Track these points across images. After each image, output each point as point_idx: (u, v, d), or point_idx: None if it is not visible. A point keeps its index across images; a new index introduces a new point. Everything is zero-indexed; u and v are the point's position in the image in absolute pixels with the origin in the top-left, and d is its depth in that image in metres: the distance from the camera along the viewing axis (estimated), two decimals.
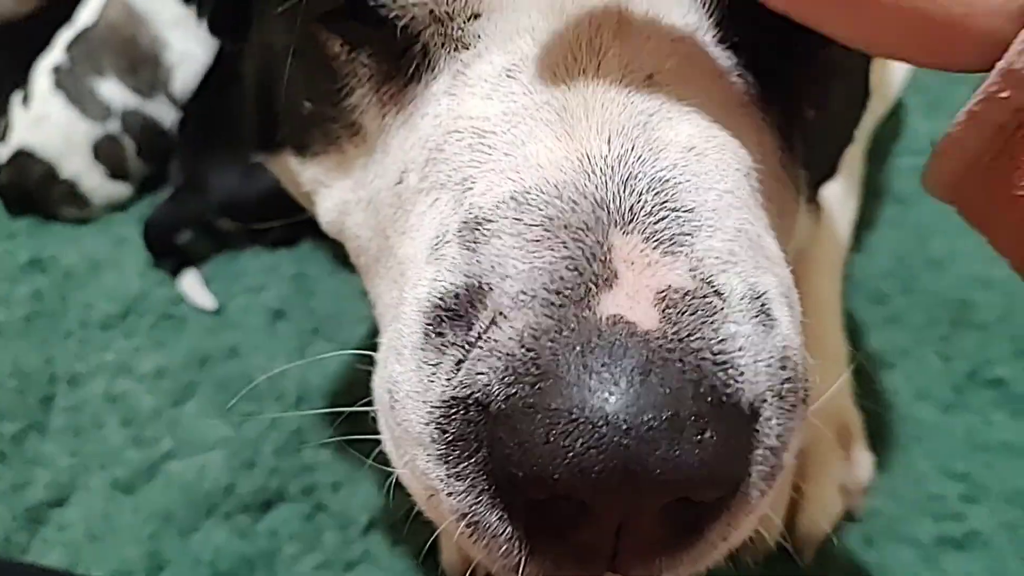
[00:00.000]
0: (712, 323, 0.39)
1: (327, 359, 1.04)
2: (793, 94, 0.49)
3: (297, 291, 1.12)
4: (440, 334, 0.41)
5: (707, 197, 0.42)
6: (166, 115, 1.23)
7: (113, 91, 1.19)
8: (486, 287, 0.40)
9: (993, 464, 0.96)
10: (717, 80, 0.45)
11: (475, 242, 0.41)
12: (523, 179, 0.41)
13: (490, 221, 0.41)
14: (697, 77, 0.44)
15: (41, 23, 1.31)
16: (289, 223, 1.12)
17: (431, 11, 0.45)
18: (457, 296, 0.41)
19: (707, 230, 0.41)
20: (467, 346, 0.40)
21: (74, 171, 1.19)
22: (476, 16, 0.45)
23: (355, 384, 1.03)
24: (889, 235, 1.20)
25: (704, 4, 0.45)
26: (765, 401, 0.40)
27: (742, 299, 0.40)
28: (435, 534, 0.49)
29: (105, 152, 1.19)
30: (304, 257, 1.16)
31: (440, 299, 0.41)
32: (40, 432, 0.99)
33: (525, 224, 0.40)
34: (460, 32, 0.45)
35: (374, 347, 1.06)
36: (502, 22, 0.44)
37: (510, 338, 0.38)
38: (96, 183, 1.20)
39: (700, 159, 0.42)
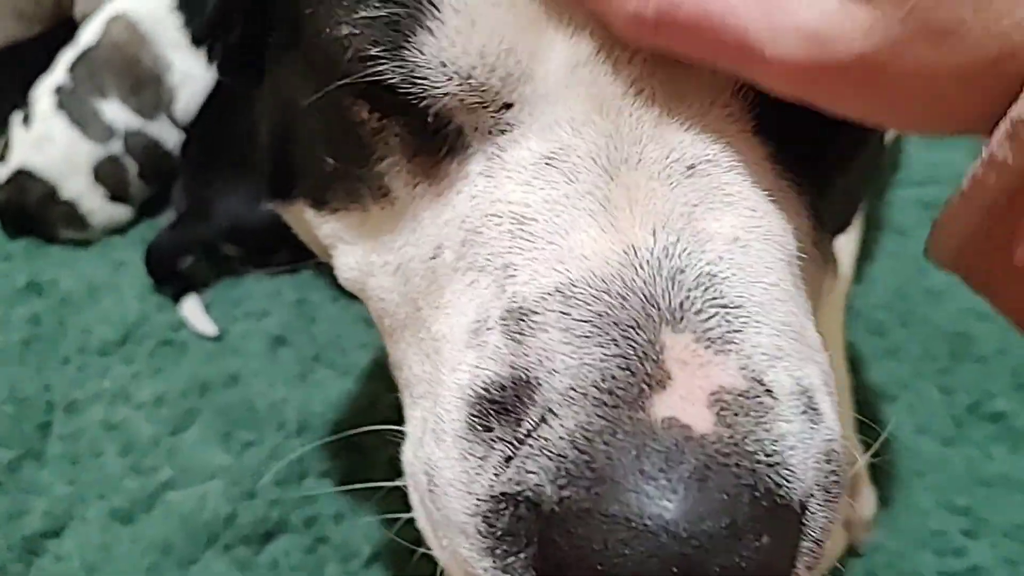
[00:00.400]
0: (765, 424, 0.39)
1: (329, 386, 1.03)
2: (823, 170, 0.49)
3: (299, 317, 1.11)
4: (487, 427, 0.40)
5: (753, 291, 0.41)
6: (168, 136, 1.22)
7: (116, 112, 1.18)
8: (534, 381, 0.40)
9: (994, 499, 0.96)
10: (755, 167, 0.44)
11: (520, 333, 0.41)
12: (568, 271, 0.41)
13: (536, 313, 0.41)
14: (736, 166, 0.44)
15: (43, 44, 1.30)
16: (292, 249, 1.13)
17: (461, 100, 0.44)
18: (503, 388, 0.40)
19: (755, 326, 0.41)
20: (516, 442, 0.39)
21: (75, 192, 1.17)
22: (508, 106, 0.44)
23: (358, 413, 1.02)
24: (888, 266, 1.20)
25: (739, 92, 0.44)
26: (812, 496, 0.40)
27: (790, 395, 0.40)
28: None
29: (106, 173, 1.18)
30: (306, 283, 1.15)
31: (485, 389, 0.41)
32: (37, 460, 0.97)
33: (573, 319, 0.40)
34: (493, 120, 0.44)
35: (378, 376, 1.06)
36: (538, 112, 0.43)
37: (561, 437, 0.38)
38: (96, 205, 1.19)
39: (745, 251, 0.42)
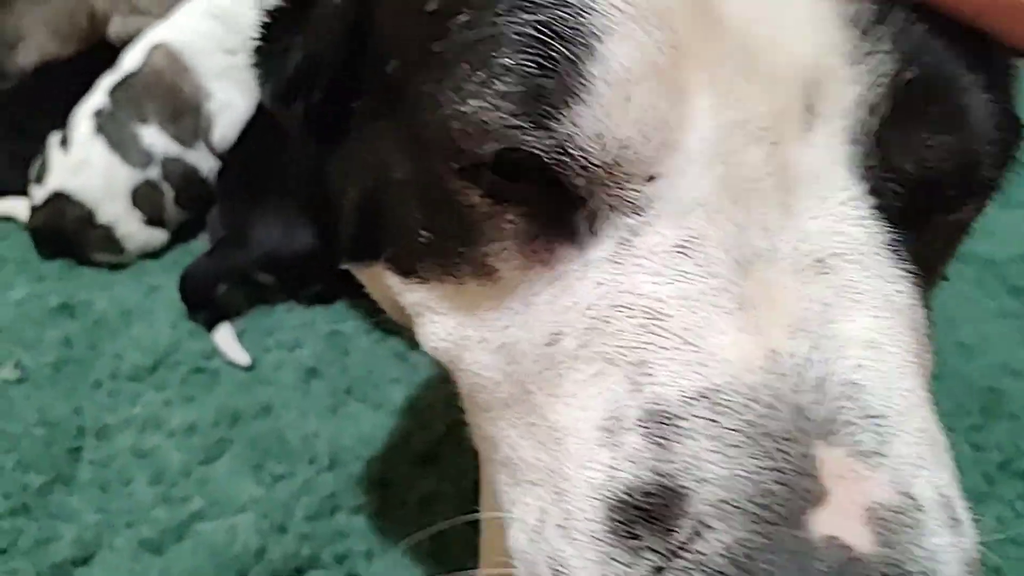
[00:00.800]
0: (920, 541, 0.38)
1: (361, 420, 1.02)
2: (931, 259, 0.49)
3: (332, 349, 1.10)
4: (632, 534, 0.39)
5: (894, 400, 0.41)
6: (205, 164, 1.22)
7: (155, 138, 1.19)
8: (681, 490, 0.39)
9: None
10: (880, 258, 0.44)
11: (664, 438, 0.40)
12: (712, 375, 0.40)
13: (681, 418, 0.40)
14: (863, 258, 0.43)
15: (80, 65, 1.31)
16: (326, 280, 1.13)
17: (609, 171, 0.42)
18: (648, 495, 0.39)
19: (899, 435, 0.40)
20: (668, 554, 0.38)
21: (112, 216, 1.17)
22: (652, 178, 0.43)
23: (390, 448, 1.01)
24: None
25: (860, 175, 0.44)
26: None
27: (936, 507, 0.40)
28: None
29: (143, 198, 1.18)
30: (340, 315, 1.14)
31: (627, 494, 0.40)
32: (66, 485, 0.96)
33: (722, 427, 0.39)
34: (633, 195, 0.43)
35: (410, 412, 1.05)
36: (676, 189, 0.43)
37: (720, 554, 0.37)
38: (133, 229, 1.19)
39: (881, 356, 0.41)
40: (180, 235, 1.25)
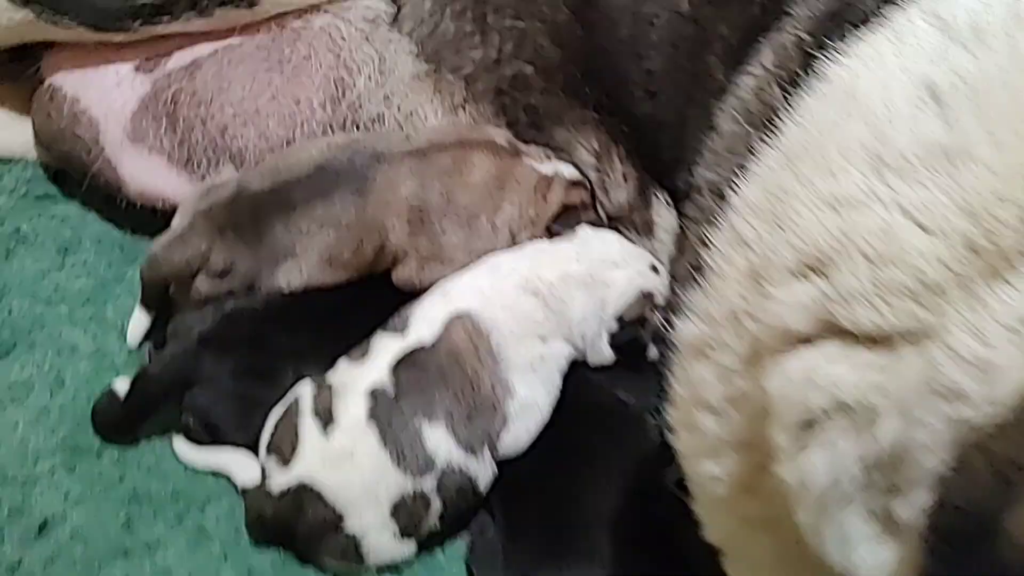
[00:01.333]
0: None
1: None
2: None
3: None
4: None
5: None
6: (485, 476, 0.95)
7: (441, 441, 0.92)
8: None
9: None
10: None
11: None
12: None
13: None
14: None
15: (346, 296, 1.07)
16: None
17: None
18: None
19: None
20: None
21: (363, 526, 0.91)
22: None
23: None
24: None
25: None
26: None
27: None
28: None
29: (405, 510, 0.92)
30: None
31: None
32: None
33: None
34: None
35: None
36: None
37: None
38: (382, 542, 0.92)
39: None
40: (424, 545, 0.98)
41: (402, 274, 1.07)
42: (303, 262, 1.05)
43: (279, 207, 1.05)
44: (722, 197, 0.93)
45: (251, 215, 1.06)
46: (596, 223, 1.08)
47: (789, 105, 0.74)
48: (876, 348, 0.56)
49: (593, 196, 1.10)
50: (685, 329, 0.72)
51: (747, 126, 0.91)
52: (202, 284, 1.05)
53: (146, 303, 1.09)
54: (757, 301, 0.64)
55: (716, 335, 0.68)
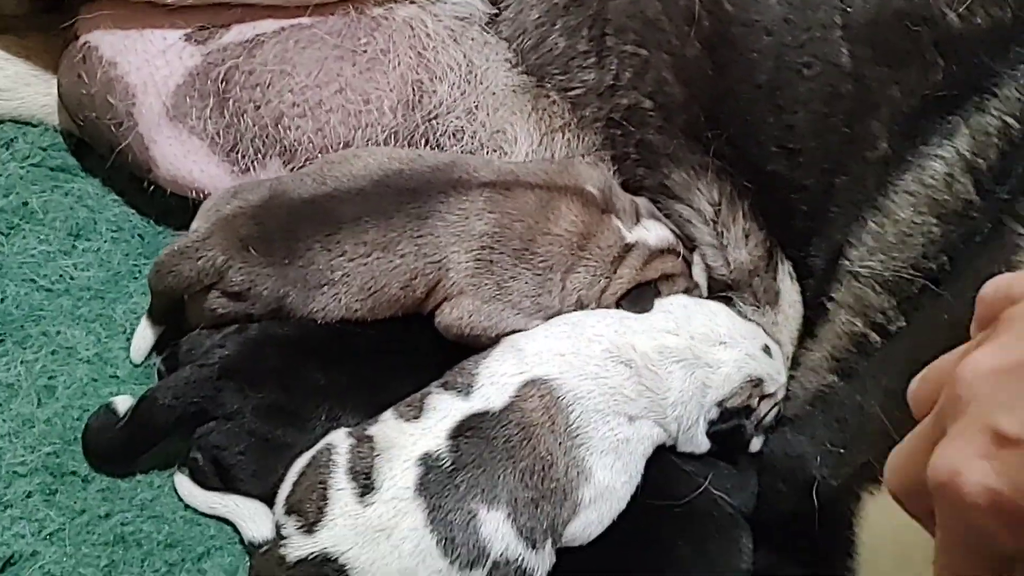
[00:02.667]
0: None
1: None
2: None
3: None
4: None
5: None
6: (542, 569, 0.80)
7: (496, 529, 0.76)
8: None
9: None
10: None
11: None
12: None
13: None
14: None
15: (388, 334, 0.90)
16: None
17: None
18: None
19: None
20: None
21: None
22: None
23: None
24: None
25: None
26: None
27: None
28: None
29: None
30: None
31: None
32: None
33: None
34: None
35: None
36: None
37: None
38: None
39: None
40: None
41: (452, 315, 0.88)
42: (342, 292, 0.88)
43: (321, 223, 0.88)
44: (888, 291, 0.79)
45: (284, 228, 0.88)
46: (695, 293, 0.93)
47: None
48: None
49: (687, 265, 0.94)
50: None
51: (931, 217, 0.77)
52: (215, 303, 0.89)
53: (154, 315, 0.92)
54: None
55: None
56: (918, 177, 0.80)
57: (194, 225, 0.92)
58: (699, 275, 0.95)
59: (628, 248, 0.91)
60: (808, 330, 0.91)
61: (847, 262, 0.82)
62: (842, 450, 0.79)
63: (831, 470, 0.78)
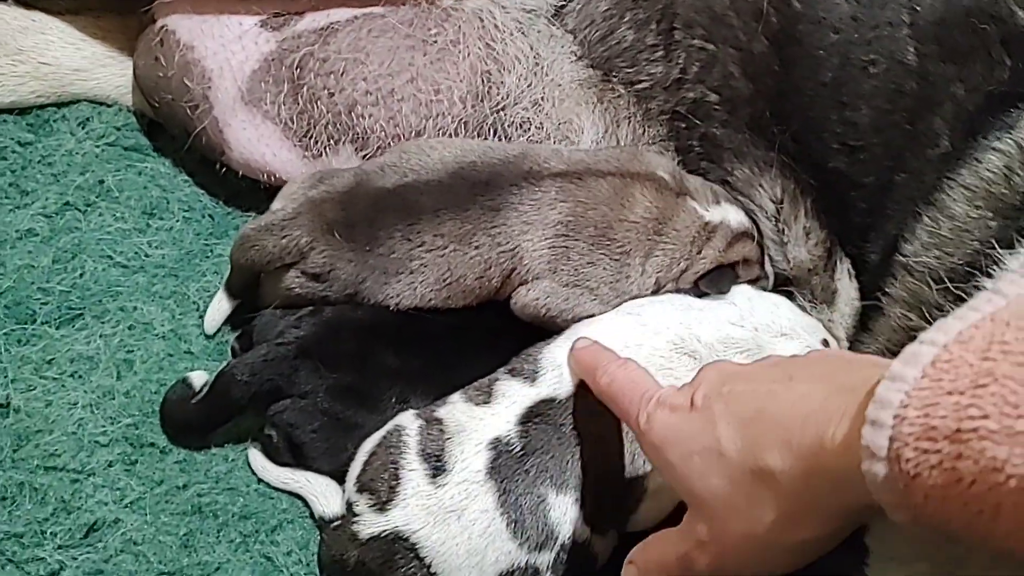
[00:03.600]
0: None
1: None
2: None
3: None
4: None
5: None
6: (606, 552, 0.81)
7: (565, 513, 0.78)
8: None
9: None
10: None
11: None
12: None
13: None
14: None
15: (458, 321, 0.91)
16: None
17: None
18: None
19: None
20: None
21: None
22: None
23: None
24: None
25: None
26: None
27: None
28: None
29: None
30: None
31: None
32: None
33: None
34: None
35: None
36: None
37: None
38: None
39: None
40: None
41: (529, 296, 0.89)
42: (418, 281, 0.89)
43: (403, 212, 0.89)
44: (945, 287, 0.79)
45: (368, 215, 0.90)
46: (761, 284, 0.93)
47: None
48: None
49: (762, 253, 0.94)
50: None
51: (988, 211, 0.76)
52: (293, 282, 0.90)
53: (231, 288, 0.94)
54: None
55: None
56: (975, 171, 0.80)
57: (276, 205, 0.93)
58: (768, 265, 0.95)
59: (711, 229, 0.91)
60: (863, 324, 0.92)
61: (902, 257, 0.82)
62: None
63: None
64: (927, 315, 0.82)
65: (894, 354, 0.84)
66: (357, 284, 0.89)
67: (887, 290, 0.84)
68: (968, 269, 0.79)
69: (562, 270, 0.89)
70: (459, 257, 0.89)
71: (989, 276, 0.77)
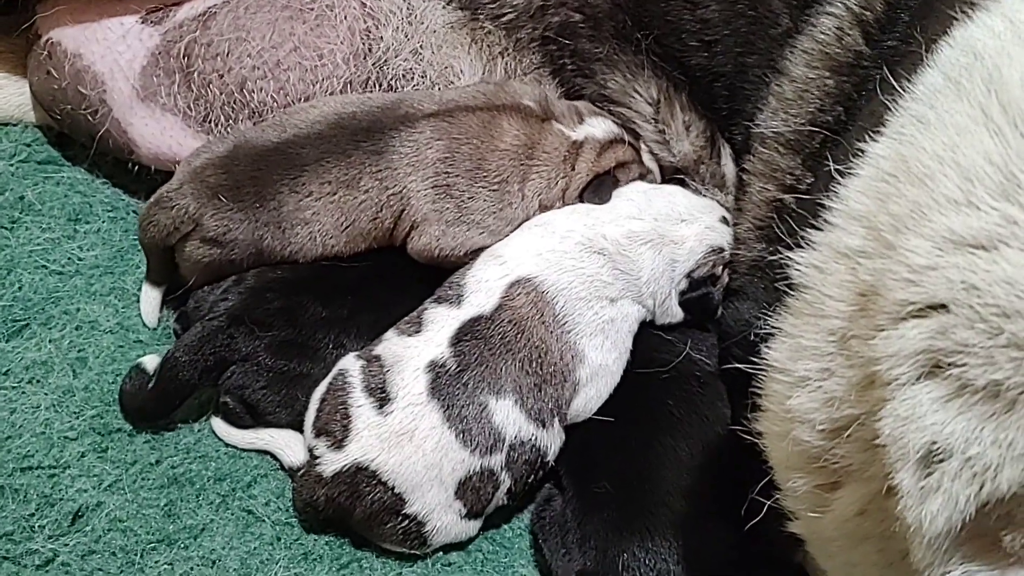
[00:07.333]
0: None
1: None
2: None
3: None
4: None
5: None
6: (554, 446, 0.84)
7: (509, 415, 0.80)
8: None
9: None
10: None
11: None
12: None
13: None
14: None
15: (374, 264, 0.92)
16: None
17: None
18: None
19: None
20: None
21: (426, 508, 0.79)
22: None
23: None
24: None
25: None
26: None
27: None
28: None
29: (473, 489, 0.80)
30: None
31: None
32: None
33: None
34: None
35: None
36: None
37: None
38: (447, 523, 0.81)
39: None
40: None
41: (421, 242, 0.91)
42: (316, 230, 0.89)
43: (286, 166, 0.89)
44: (792, 150, 0.81)
45: (252, 175, 0.89)
46: (649, 179, 0.95)
47: (900, 84, 0.60)
48: (991, 400, 0.46)
49: (637, 152, 0.96)
50: (779, 347, 0.59)
51: (824, 71, 0.78)
52: (196, 251, 0.90)
53: (151, 276, 0.94)
54: (865, 329, 0.52)
55: (819, 355, 0.55)
56: (811, 35, 0.81)
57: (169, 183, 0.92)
58: (649, 161, 0.97)
59: (578, 145, 0.93)
60: (737, 206, 0.94)
61: (756, 128, 0.83)
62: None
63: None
64: (782, 183, 0.82)
65: (761, 229, 0.87)
66: (258, 242, 0.89)
67: (746, 166, 0.86)
68: (811, 128, 0.79)
69: (447, 208, 0.90)
70: (350, 201, 0.89)
71: (831, 133, 0.78)
